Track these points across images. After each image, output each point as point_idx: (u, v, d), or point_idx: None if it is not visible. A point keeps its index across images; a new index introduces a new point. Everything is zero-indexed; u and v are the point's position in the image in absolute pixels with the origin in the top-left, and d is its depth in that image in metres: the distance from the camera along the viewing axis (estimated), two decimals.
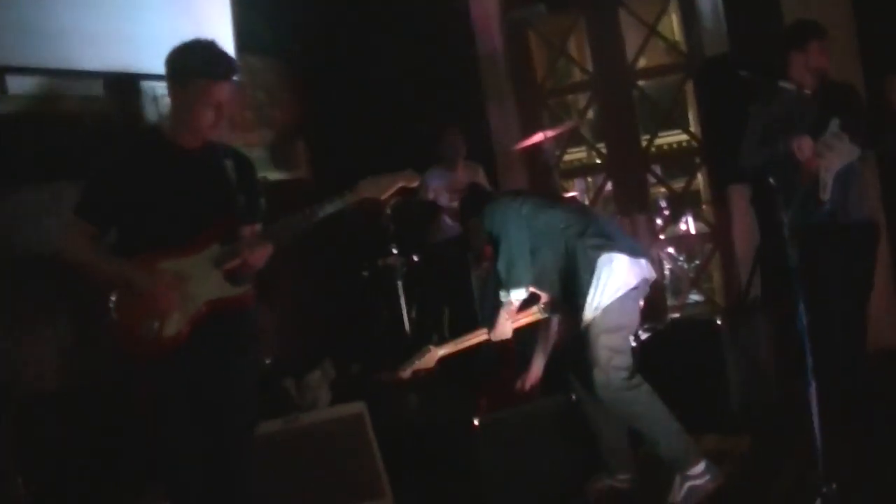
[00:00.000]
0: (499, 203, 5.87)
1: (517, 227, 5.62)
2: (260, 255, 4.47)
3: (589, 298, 5.43)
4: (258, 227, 4.60)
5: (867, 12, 7.85)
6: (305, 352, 7.73)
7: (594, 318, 5.43)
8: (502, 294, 5.71)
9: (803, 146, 6.04)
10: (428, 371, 6.06)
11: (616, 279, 5.45)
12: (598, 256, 5.47)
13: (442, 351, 5.97)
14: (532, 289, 5.74)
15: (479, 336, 5.98)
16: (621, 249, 5.51)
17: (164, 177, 4.41)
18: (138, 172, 4.39)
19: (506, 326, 5.85)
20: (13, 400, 5.46)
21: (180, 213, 4.41)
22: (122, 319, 4.37)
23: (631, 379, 5.43)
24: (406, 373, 5.98)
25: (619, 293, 5.44)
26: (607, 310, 5.43)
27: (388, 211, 7.62)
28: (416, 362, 5.93)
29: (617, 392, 5.42)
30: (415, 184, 4.84)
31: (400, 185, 4.68)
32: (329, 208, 4.51)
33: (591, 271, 5.44)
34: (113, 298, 4.38)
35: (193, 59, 4.40)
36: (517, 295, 5.67)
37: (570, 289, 5.55)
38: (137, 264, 4.34)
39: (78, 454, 5.94)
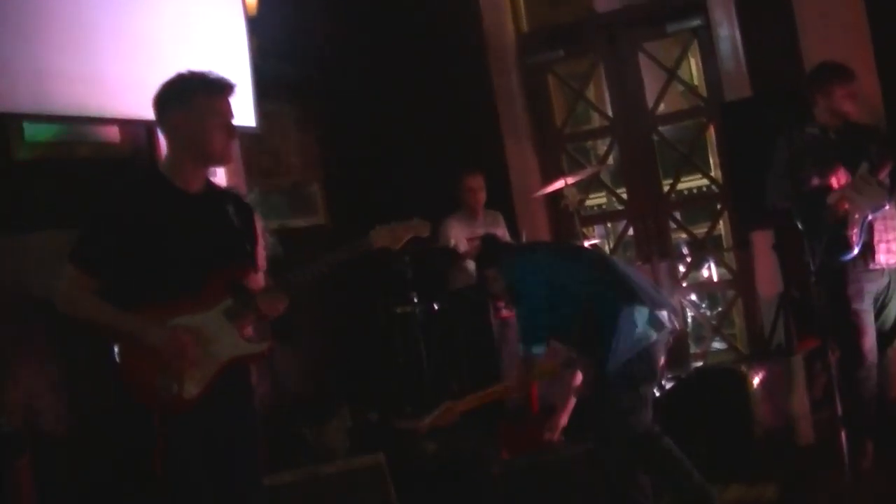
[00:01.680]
0: (517, 256, 5.83)
1: (536, 281, 5.56)
2: (275, 307, 4.34)
3: (610, 352, 5.36)
4: (262, 274, 4.50)
5: (888, 53, 7.81)
6: (323, 399, 7.67)
7: (615, 372, 5.36)
8: (521, 348, 5.65)
9: (840, 177, 5.99)
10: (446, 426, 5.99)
11: (637, 332, 5.39)
12: (619, 309, 5.40)
13: (460, 407, 5.89)
14: (552, 342, 5.69)
15: (499, 390, 5.92)
16: (642, 302, 5.44)
17: (167, 222, 4.17)
18: (140, 217, 4.13)
19: (526, 380, 5.77)
20: (27, 446, 5.40)
21: (186, 260, 4.20)
22: (135, 377, 4.12)
23: (650, 432, 5.35)
24: (423, 427, 5.91)
25: (640, 346, 5.38)
26: (628, 363, 5.36)
27: (407, 258, 7.56)
28: (435, 417, 5.85)
29: (636, 444, 5.35)
30: (425, 233, 4.68)
31: (412, 234, 4.60)
32: (341, 257, 4.41)
33: (612, 325, 5.37)
34: (119, 351, 4.16)
35: (193, 82, 4.25)
36: (536, 350, 5.60)
37: (590, 342, 5.47)
38: (151, 320, 4.10)
39: (93, 499, 5.87)
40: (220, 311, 4.24)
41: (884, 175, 6.05)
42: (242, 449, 4.39)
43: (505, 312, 6.99)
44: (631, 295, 5.46)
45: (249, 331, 4.37)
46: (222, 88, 4.30)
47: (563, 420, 5.89)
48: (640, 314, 5.40)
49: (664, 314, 5.49)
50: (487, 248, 6.15)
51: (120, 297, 4.13)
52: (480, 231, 8.54)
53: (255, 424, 4.51)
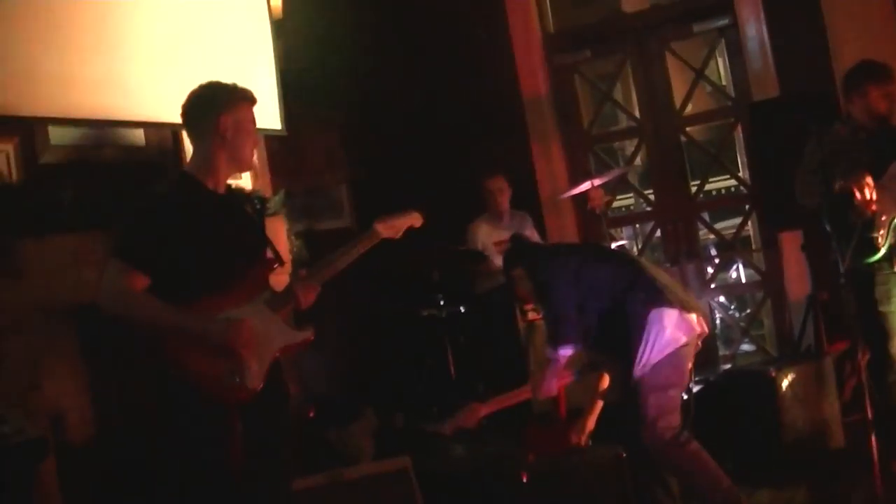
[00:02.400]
0: (546, 257, 5.79)
1: (564, 282, 5.52)
2: (309, 296, 4.49)
3: (638, 355, 5.31)
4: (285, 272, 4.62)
5: None
6: (348, 402, 7.66)
7: (643, 376, 5.32)
8: (548, 351, 5.59)
9: (863, 184, 5.93)
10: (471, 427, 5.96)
11: (666, 336, 5.34)
12: (648, 312, 5.35)
13: (485, 409, 5.86)
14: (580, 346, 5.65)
15: (524, 393, 5.88)
16: (672, 304, 5.38)
17: (204, 221, 4.33)
18: (179, 216, 4.28)
19: (551, 384, 5.74)
20: (52, 451, 5.41)
21: (223, 257, 4.33)
22: (197, 370, 4.19)
23: (678, 436, 5.30)
24: (448, 429, 5.88)
25: (669, 350, 5.32)
26: (656, 367, 5.31)
27: (434, 260, 7.55)
28: (460, 418, 5.82)
29: (664, 449, 5.30)
30: (419, 224, 4.94)
31: (408, 225, 4.89)
32: (355, 250, 4.63)
33: (641, 328, 5.33)
34: (168, 348, 4.19)
35: (231, 90, 4.44)
36: (564, 352, 5.54)
37: (618, 345, 5.43)
38: (208, 315, 4.22)
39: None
40: (262, 302, 4.39)
41: None
42: (277, 448, 4.50)
43: (532, 315, 6.93)
44: (660, 297, 5.41)
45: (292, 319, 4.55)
46: (252, 98, 4.51)
47: (591, 423, 5.85)
48: (670, 317, 5.36)
49: (693, 317, 5.45)
50: (515, 248, 6.12)
51: (163, 295, 4.18)
52: (507, 233, 8.51)
53: (289, 425, 4.70)
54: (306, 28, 8.40)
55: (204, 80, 4.48)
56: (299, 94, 8.14)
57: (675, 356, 5.35)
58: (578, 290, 5.50)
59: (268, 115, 7.24)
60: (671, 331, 5.35)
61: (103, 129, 6.24)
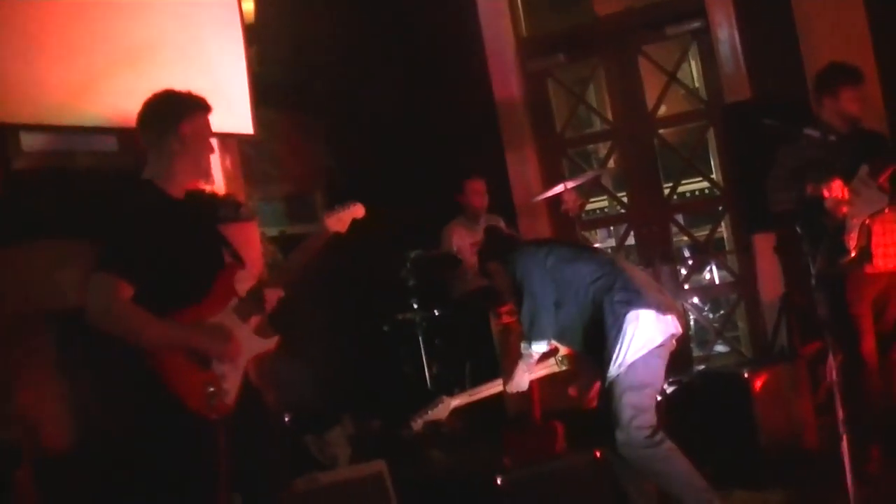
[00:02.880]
0: (523, 252, 5.78)
1: (541, 278, 5.52)
2: (273, 297, 4.56)
3: (614, 355, 5.32)
4: (244, 271, 4.62)
5: (889, 56, 7.80)
6: (325, 407, 7.65)
7: (618, 375, 5.33)
8: (523, 346, 5.62)
9: (833, 189, 5.96)
10: (440, 422, 5.95)
11: (642, 336, 5.35)
12: (626, 312, 5.36)
13: (455, 401, 5.85)
14: (554, 342, 5.65)
15: (495, 387, 5.87)
16: (649, 305, 5.40)
17: (170, 230, 4.33)
18: (152, 226, 4.27)
19: (523, 379, 5.76)
20: (27, 458, 5.39)
21: (193, 265, 4.38)
22: (183, 386, 4.20)
23: (653, 437, 5.32)
24: (418, 424, 5.86)
25: (645, 350, 5.34)
26: (632, 367, 5.33)
27: (409, 265, 7.55)
28: (429, 413, 5.81)
29: (638, 450, 5.32)
30: (361, 214, 4.94)
31: (352, 217, 4.90)
32: (308, 253, 4.72)
33: (618, 328, 5.34)
34: (157, 363, 4.19)
35: (181, 100, 4.50)
36: (538, 348, 5.57)
37: (594, 343, 5.44)
38: (195, 326, 4.28)
39: None
40: (231, 311, 4.43)
41: (883, 179, 6.03)
42: (263, 458, 4.56)
43: (506, 318, 6.95)
44: (638, 298, 5.43)
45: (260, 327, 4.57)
46: (208, 106, 4.59)
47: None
48: (647, 318, 5.38)
49: (669, 318, 5.46)
50: (491, 241, 6.12)
51: (145, 306, 4.19)
52: (482, 236, 8.54)
53: (275, 433, 4.88)
54: (280, 32, 8.40)
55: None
56: (274, 100, 8.14)
57: (651, 356, 5.37)
58: (556, 286, 5.51)
59: (240, 119, 7.25)
60: (648, 331, 5.37)
61: (75, 136, 6.21)
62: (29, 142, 5.98)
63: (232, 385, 4.33)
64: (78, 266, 5.58)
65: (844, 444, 4.93)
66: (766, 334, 8.34)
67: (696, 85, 9.73)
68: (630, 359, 5.34)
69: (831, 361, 4.95)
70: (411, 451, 7.19)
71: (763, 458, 6.47)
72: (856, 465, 5.03)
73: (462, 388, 7.85)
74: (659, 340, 5.39)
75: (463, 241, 8.54)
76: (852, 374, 6.14)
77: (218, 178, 7.07)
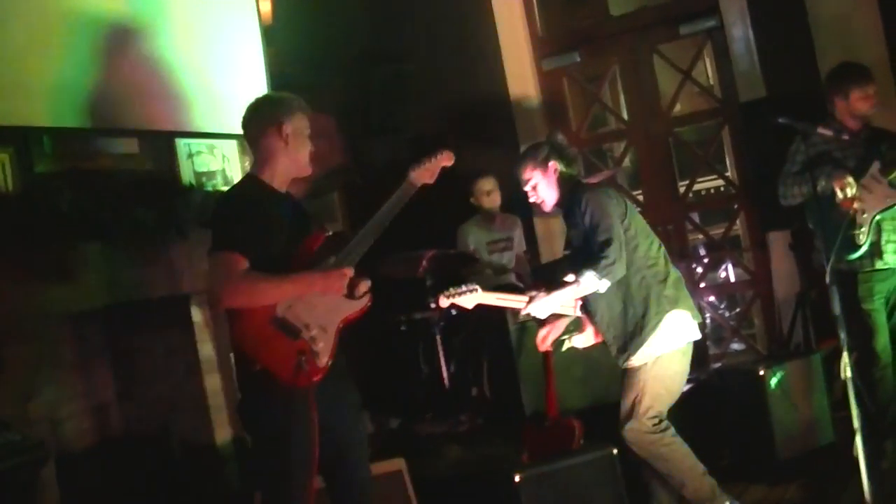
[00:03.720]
0: (609, 194, 5.63)
1: (619, 224, 5.46)
2: (335, 285, 4.66)
3: (645, 344, 5.39)
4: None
5: None
6: None
7: (645, 364, 5.41)
8: (587, 275, 5.34)
9: (845, 185, 6.01)
10: (462, 310, 5.90)
11: (676, 334, 5.44)
12: (670, 310, 5.44)
13: (483, 296, 5.72)
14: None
15: (519, 301, 5.79)
16: (689, 309, 5.50)
17: (267, 209, 4.63)
18: (252, 207, 4.60)
19: (550, 305, 5.59)
20: (51, 456, 5.45)
21: (288, 242, 4.65)
22: (270, 363, 4.46)
23: (660, 424, 5.42)
24: (444, 302, 5.79)
25: (675, 347, 5.43)
26: (660, 360, 5.41)
27: (426, 263, 7.58)
28: (458, 296, 5.67)
29: (643, 434, 5.40)
30: (451, 162, 5.07)
31: (441, 165, 5.03)
32: (396, 207, 4.85)
33: (658, 320, 5.40)
34: (249, 342, 4.50)
35: (283, 101, 4.83)
36: (604, 285, 5.39)
37: (625, 323, 5.49)
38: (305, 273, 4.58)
39: None
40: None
41: (894, 176, 6.08)
42: (352, 421, 4.84)
43: (522, 317, 6.96)
44: (683, 299, 5.53)
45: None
46: (307, 109, 4.89)
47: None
48: (683, 319, 5.48)
49: (696, 324, 5.56)
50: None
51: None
52: (497, 235, 8.57)
53: (359, 404, 4.92)
54: (296, 33, 8.44)
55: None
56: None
57: (679, 354, 5.47)
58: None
59: None
60: (682, 331, 5.47)
61: (98, 138, 6.27)
62: (51, 144, 6.03)
63: (324, 347, 4.56)
64: (99, 267, 5.66)
65: (858, 440, 4.97)
66: (782, 332, 8.36)
67: (711, 83, 9.75)
68: (660, 352, 5.41)
69: (845, 357, 4.97)
70: (430, 448, 7.23)
71: (779, 453, 6.50)
72: (869, 460, 5.07)
73: (480, 387, 7.94)
74: (688, 342, 5.48)
75: (480, 240, 8.58)
76: (866, 369, 6.19)
77: (236, 179, 7.14)
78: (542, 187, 5.73)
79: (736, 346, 9.67)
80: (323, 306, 4.61)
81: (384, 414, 7.83)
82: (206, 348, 6.61)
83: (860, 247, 6.10)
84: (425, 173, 5.00)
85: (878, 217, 6.12)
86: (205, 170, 6.96)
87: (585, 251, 5.46)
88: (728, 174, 9.53)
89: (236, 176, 7.18)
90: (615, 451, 5.65)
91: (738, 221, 9.52)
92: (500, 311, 7.13)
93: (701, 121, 9.84)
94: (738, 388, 6.79)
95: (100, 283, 5.67)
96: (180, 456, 6.45)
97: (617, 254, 5.35)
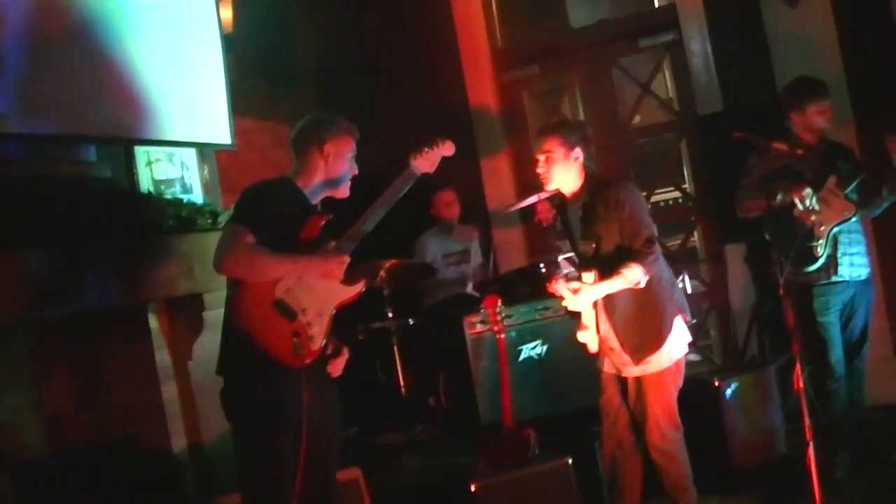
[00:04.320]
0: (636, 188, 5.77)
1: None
2: (333, 270, 4.82)
3: (664, 346, 5.47)
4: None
5: (858, 70, 7.90)
6: None
7: (668, 367, 5.51)
8: (631, 270, 5.33)
9: (804, 196, 6.08)
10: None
11: (685, 339, 5.60)
12: (681, 313, 5.60)
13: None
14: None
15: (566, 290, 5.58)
16: (691, 318, 5.74)
17: (289, 204, 4.84)
18: (275, 197, 4.83)
19: (594, 296, 5.54)
20: (7, 465, 5.43)
21: (293, 228, 4.81)
22: (268, 344, 4.62)
23: (678, 428, 5.60)
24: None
25: (685, 351, 5.61)
26: (679, 363, 5.54)
27: (383, 274, 7.58)
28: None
29: (674, 432, 5.56)
30: (451, 152, 5.25)
31: (442, 155, 5.22)
32: (396, 194, 5.06)
33: (670, 324, 5.50)
34: (250, 324, 4.63)
35: (330, 122, 5.05)
36: (644, 280, 5.38)
37: (645, 323, 5.53)
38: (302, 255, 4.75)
39: None
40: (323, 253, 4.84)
41: (851, 189, 6.15)
42: (334, 404, 5.01)
43: (478, 328, 6.97)
44: (687, 306, 5.73)
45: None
46: (354, 133, 5.13)
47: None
48: (684, 325, 5.64)
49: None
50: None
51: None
52: (455, 246, 8.60)
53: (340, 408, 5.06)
54: (258, 42, 8.43)
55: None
56: (249, 109, 8.17)
57: (685, 357, 5.63)
58: None
59: (218, 130, 7.28)
60: (686, 337, 5.62)
61: (56, 145, 6.24)
62: (9, 150, 5.99)
63: (318, 331, 4.76)
64: (55, 275, 5.62)
65: (811, 451, 5.01)
66: (738, 343, 8.42)
67: (670, 96, 9.81)
68: (677, 355, 5.53)
69: (798, 369, 5.02)
70: (386, 458, 7.23)
71: (734, 464, 6.54)
72: (822, 471, 5.11)
73: (436, 397, 7.94)
74: (687, 349, 5.65)
75: (438, 251, 8.60)
76: (821, 381, 6.25)
77: (196, 188, 7.13)
78: (557, 166, 5.70)
79: (692, 356, 9.67)
80: (321, 291, 4.78)
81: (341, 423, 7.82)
82: (163, 357, 6.59)
83: (817, 259, 6.16)
84: (425, 162, 5.16)
85: (834, 230, 6.18)
86: (163, 177, 6.94)
87: (616, 246, 5.49)
88: (685, 186, 9.58)
89: (195, 184, 7.18)
90: (570, 460, 5.69)
91: (695, 233, 9.57)
92: (456, 322, 7.16)
93: (659, 133, 9.90)
94: (693, 398, 6.80)
95: (56, 291, 5.63)
96: (138, 464, 6.42)
97: (658, 250, 5.48)
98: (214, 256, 4.67)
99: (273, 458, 4.62)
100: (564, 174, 5.69)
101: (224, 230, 4.81)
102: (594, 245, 5.56)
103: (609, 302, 5.56)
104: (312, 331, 4.73)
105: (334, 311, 4.85)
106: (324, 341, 4.79)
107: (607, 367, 5.72)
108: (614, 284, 5.39)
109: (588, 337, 5.78)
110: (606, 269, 5.43)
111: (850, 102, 7.87)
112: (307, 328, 4.70)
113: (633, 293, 5.45)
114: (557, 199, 5.99)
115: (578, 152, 5.66)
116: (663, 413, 5.51)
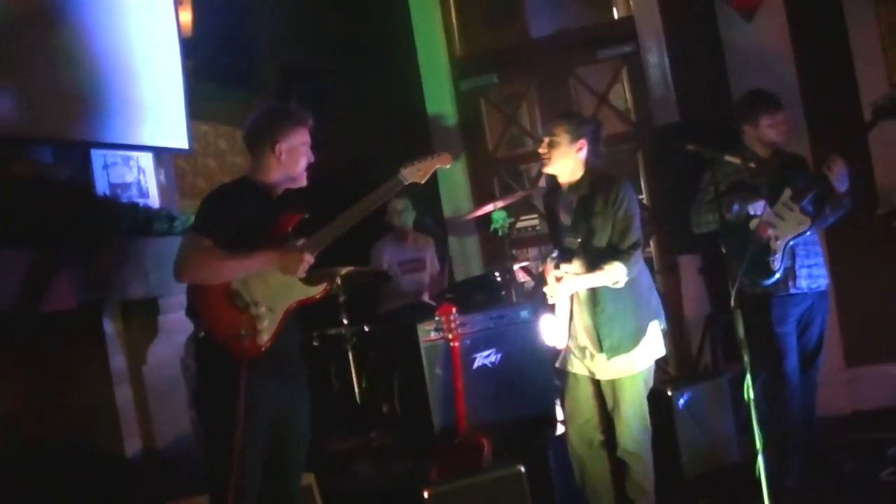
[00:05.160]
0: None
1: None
2: (292, 266, 4.80)
3: (640, 347, 5.53)
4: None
5: (813, 83, 7.98)
6: None
7: (641, 370, 5.57)
8: (617, 267, 5.42)
9: (759, 209, 6.15)
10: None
11: (659, 344, 5.67)
12: (655, 319, 5.63)
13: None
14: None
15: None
16: (662, 323, 5.73)
17: (247, 203, 4.84)
18: (232, 199, 4.84)
19: (574, 288, 5.63)
20: None
21: (256, 226, 4.81)
22: (214, 330, 4.71)
23: (649, 430, 5.67)
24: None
25: (657, 356, 5.68)
26: (651, 367, 5.64)
27: (339, 280, 7.58)
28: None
29: (647, 442, 5.64)
30: (448, 165, 5.27)
31: (436, 167, 5.20)
32: (378, 200, 5.05)
33: (648, 327, 5.58)
34: (206, 314, 4.74)
35: (280, 118, 4.97)
36: (623, 280, 5.45)
37: (627, 323, 5.57)
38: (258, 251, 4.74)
39: None
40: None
41: (806, 202, 6.20)
42: (294, 400, 5.00)
43: (433, 336, 6.98)
44: (661, 312, 5.76)
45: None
46: (307, 121, 5.04)
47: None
48: (659, 331, 5.71)
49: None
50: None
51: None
52: (411, 254, 8.62)
53: (304, 378, 5.10)
54: (217, 47, 8.42)
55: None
56: (209, 114, 8.16)
57: (654, 365, 5.71)
58: None
59: (175, 133, 7.26)
60: (659, 342, 5.68)
61: (12, 146, 6.20)
62: None
63: (268, 325, 4.75)
64: (8, 276, 5.59)
65: (762, 460, 5.06)
66: (691, 353, 8.47)
67: (628, 107, 9.86)
68: (651, 359, 5.63)
69: (748, 379, 5.07)
70: (340, 464, 7.23)
71: (685, 473, 6.58)
72: (773, 480, 5.16)
73: (391, 403, 7.94)
74: (660, 354, 5.72)
75: (393, 258, 8.62)
76: (776, 391, 6.30)
77: (152, 192, 7.10)
78: (560, 152, 5.70)
79: None
80: (277, 286, 4.79)
81: None
82: (118, 360, 6.56)
83: (775, 272, 6.22)
84: (417, 173, 5.15)
85: (791, 243, 6.24)
86: (120, 181, 6.91)
87: (606, 242, 5.56)
88: (641, 197, 9.61)
89: (152, 188, 7.14)
90: (523, 468, 5.70)
91: (650, 244, 9.62)
92: (411, 329, 7.17)
93: (615, 144, 9.93)
94: (648, 407, 6.84)
95: (10, 292, 5.60)
96: (91, 467, 6.39)
97: (641, 255, 5.57)
98: (174, 266, 4.71)
99: (237, 446, 4.59)
100: (565, 160, 5.70)
101: (182, 240, 4.85)
102: (580, 239, 5.60)
103: (591, 298, 5.58)
104: (261, 325, 4.73)
105: (290, 309, 4.84)
106: (272, 340, 4.76)
107: (577, 369, 5.73)
108: (597, 279, 5.48)
109: (556, 331, 5.83)
110: (590, 264, 5.51)
111: (804, 115, 7.95)
112: (257, 321, 4.72)
113: (615, 293, 5.51)
114: (550, 184, 5.99)
115: (583, 144, 5.67)
116: (636, 415, 5.57)
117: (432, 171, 5.19)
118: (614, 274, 5.41)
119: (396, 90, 9.59)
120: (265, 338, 4.74)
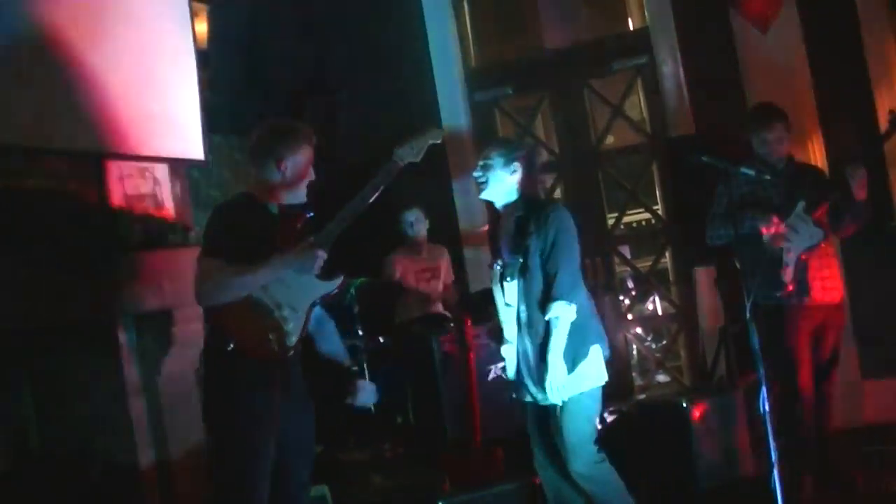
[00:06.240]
0: (568, 217, 5.58)
1: (575, 242, 5.49)
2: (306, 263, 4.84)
3: (577, 372, 5.34)
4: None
5: (828, 94, 7.97)
6: None
7: (582, 394, 5.37)
8: (561, 306, 5.29)
9: (771, 225, 6.13)
10: None
11: (600, 368, 5.43)
12: (599, 343, 5.46)
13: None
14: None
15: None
16: (608, 347, 5.53)
17: (252, 220, 4.84)
18: (237, 218, 4.85)
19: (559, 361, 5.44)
20: None
21: (262, 244, 4.80)
22: (242, 342, 4.71)
23: (601, 452, 5.40)
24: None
25: (601, 381, 5.42)
26: (593, 392, 5.40)
27: (353, 291, 7.58)
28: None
29: (593, 466, 5.38)
30: (439, 140, 5.33)
31: (429, 143, 5.24)
32: (378, 186, 5.10)
33: (588, 351, 5.37)
34: (230, 327, 4.72)
35: (285, 136, 4.96)
36: (566, 313, 5.33)
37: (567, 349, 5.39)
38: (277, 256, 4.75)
39: None
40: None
41: (820, 214, 6.19)
42: (307, 437, 5.06)
43: (448, 346, 6.98)
44: (604, 336, 5.54)
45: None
46: (311, 139, 5.06)
47: None
48: (601, 356, 5.46)
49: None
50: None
51: None
52: (424, 264, 8.61)
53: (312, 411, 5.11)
54: (232, 59, 8.43)
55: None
56: (221, 125, 8.17)
57: (599, 391, 5.45)
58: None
59: (191, 145, 7.27)
60: (602, 366, 5.44)
61: (27, 157, 6.21)
62: None
63: (294, 326, 4.82)
64: (22, 287, 5.60)
65: (776, 473, 5.04)
66: (706, 365, 8.45)
67: (643, 117, 9.85)
68: (591, 384, 5.38)
69: (763, 392, 5.05)
70: (353, 475, 7.23)
71: (701, 486, 6.55)
72: (788, 494, 5.14)
73: (405, 415, 7.94)
74: (605, 379, 5.46)
75: (407, 270, 8.61)
76: (788, 404, 6.27)
77: (167, 203, 7.11)
78: (494, 177, 5.63)
79: (661, 377, 9.74)
80: (296, 286, 4.81)
81: None
82: (132, 371, 6.57)
83: (787, 285, 6.20)
84: (412, 151, 5.19)
85: (804, 255, 6.22)
86: (135, 193, 6.92)
87: (536, 269, 5.43)
88: (656, 208, 9.61)
89: (167, 200, 7.16)
90: (537, 481, 5.69)
91: (665, 255, 9.61)
92: (426, 340, 7.17)
93: (631, 155, 9.93)
94: (662, 419, 6.83)
95: (24, 304, 5.61)
96: (102, 479, 6.40)
97: (579, 279, 5.44)
98: (194, 294, 4.72)
99: (249, 457, 4.64)
100: (499, 185, 5.61)
101: (195, 266, 4.80)
102: (521, 259, 5.50)
103: (529, 321, 5.48)
104: (288, 326, 4.78)
105: (312, 306, 4.90)
106: (300, 338, 4.84)
107: (528, 397, 5.60)
108: (557, 338, 5.33)
109: (509, 357, 5.71)
110: (530, 287, 5.42)
111: (820, 126, 7.93)
112: (283, 323, 4.76)
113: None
114: (492, 214, 5.94)
115: (517, 167, 5.58)
116: (579, 443, 5.36)
117: (426, 147, 5.23)
118: (561, 313, 5.30)
119: (410, 102, 9.58)
120: (294, 339, 4.81)
